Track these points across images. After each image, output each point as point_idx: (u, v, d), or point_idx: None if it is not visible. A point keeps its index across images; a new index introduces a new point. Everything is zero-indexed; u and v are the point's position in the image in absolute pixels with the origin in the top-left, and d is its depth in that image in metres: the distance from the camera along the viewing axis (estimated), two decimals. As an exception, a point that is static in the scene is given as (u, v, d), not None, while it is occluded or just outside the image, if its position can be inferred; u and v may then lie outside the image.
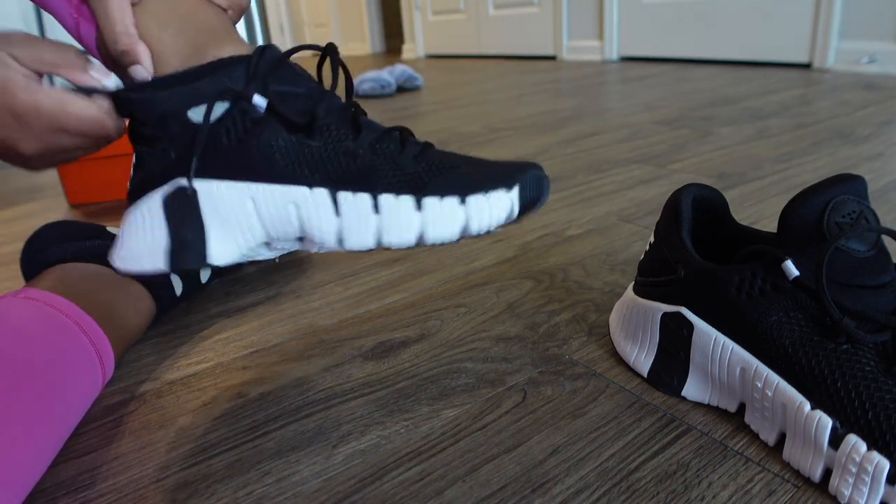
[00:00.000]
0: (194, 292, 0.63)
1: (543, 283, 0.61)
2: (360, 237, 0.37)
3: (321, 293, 0.63)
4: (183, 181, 0.37)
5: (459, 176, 0.38)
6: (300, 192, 0.37)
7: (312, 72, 0.44)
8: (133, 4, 0.37)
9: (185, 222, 0.36)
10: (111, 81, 0.38)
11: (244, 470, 0.39)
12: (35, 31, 2.24)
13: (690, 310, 0.41)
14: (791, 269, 0.36)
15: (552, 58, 2.86)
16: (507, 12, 3.05)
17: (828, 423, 0.33)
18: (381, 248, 0.38)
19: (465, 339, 0.52)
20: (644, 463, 0.37)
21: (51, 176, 1.31)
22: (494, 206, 0.37)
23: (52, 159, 0.39)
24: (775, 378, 0.36)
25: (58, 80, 0.39)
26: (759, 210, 0.76)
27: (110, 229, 0.58)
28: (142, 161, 0.38)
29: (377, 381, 0.47)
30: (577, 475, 0.36)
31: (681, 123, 1.28)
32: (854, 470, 0.32)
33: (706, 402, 0.41)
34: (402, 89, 2.21)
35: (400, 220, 0.37)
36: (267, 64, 0.37)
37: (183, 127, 0.37)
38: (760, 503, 0.33)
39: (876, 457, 0.31)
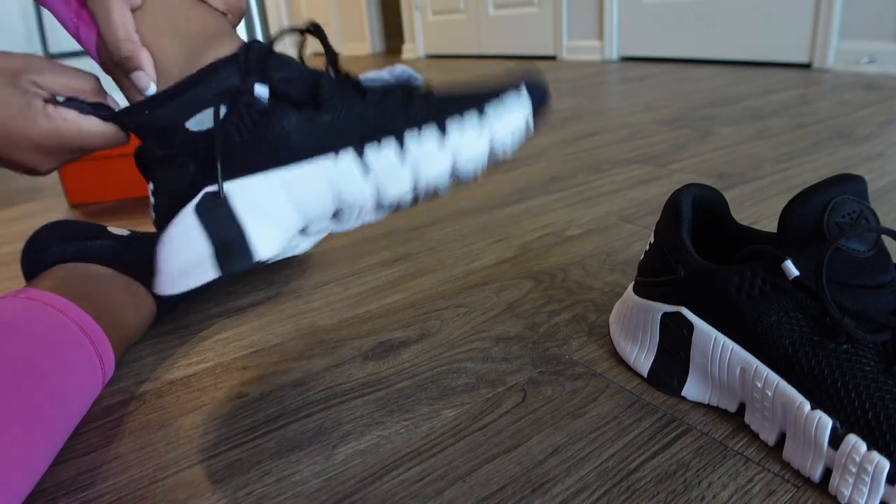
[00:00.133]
0: (194, 293, 0.63)
1: (543, 283, 0.61)
2: (397, 184, 0.38)
3: (321, 293, 0.63)
4: (210, 188, 0.37)
5: (469, 97, 0.39)
6: (326, 163, 0.37)
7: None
8: (132, 9, 0.38)
9: (223, 224, 0.36)
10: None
11: (244, 470, 0.39)
12: (35, 32, 2.24)
13: (690, 310, 0.41)
14: (791, 269, 0.36)
15: (552, 58, 2.86)
16: (507, 12, 3.05)
17: (828, 423, 0.33)
18: (419, 196, 0.39)
19: (465, 339, 0.52)
20: (644, 463, 0.37)
21: (51, 176, 1.31)
22: (511, 111, 0.39)
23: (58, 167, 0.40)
24: (775, 378, 0.36)
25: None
26: (759, 210, 0.76)
27: (110, 229, 0.58)
28: (161, 184, 0.38)
29: (377, 381, 0.47)
30: (577, 475, 0.36)
31: (681, 123, 1.28)
32: (854, 470, 0.32)
33: (706, 402, 0.41)
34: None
35: (430, 152, 0.38)
36: (257, 56, 0.38)
37: (187, 138, 0.37)
38: (760, 503, 0.33)
39: (876, 457, 0.31)
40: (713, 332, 0.40)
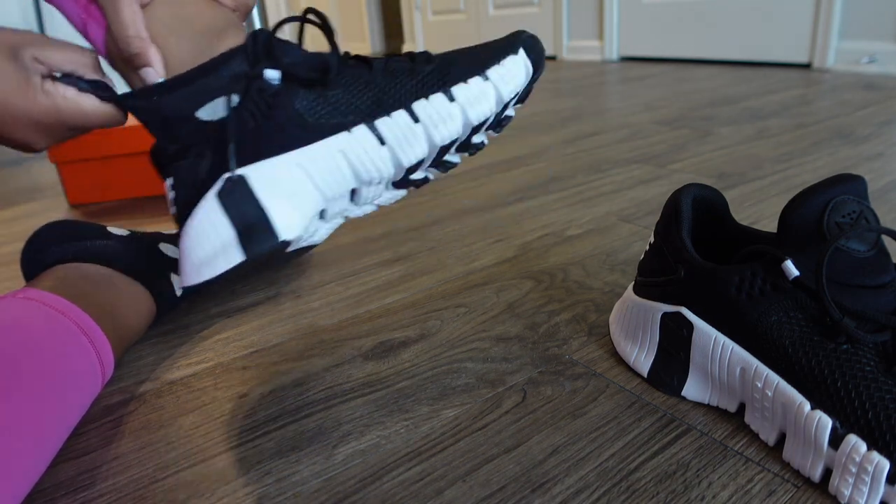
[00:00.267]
0: (194, 292, 0.63)
1: (543, 283, 0.61)
2: (413, 149, 0.39)
3: (321, 293, 0.63)
4: (229, 173, 0.37)
5: (470, 61, 0.41)
6: (340, 138, 0.38)
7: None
8: (142, 6, 0.38)
9: (245, 207, 0.37)
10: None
11: (244, 470, 0.39)
12: (35, 31, 2.24)
13: (690, 310, 0.41)
14: (791, 269, 0.36)
15: (552, 58, 2.86)
16: (507, 12, 3.05)
17: (828, 423, 0.33)
18: (440, 159, 0.41)
19: (465, 339, 0.52)
20: (644, 463, 0.37)
21: (51, 176, 1.31)
22: (512, 71, 0.41)
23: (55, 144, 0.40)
24: (775, 378, 0.36)
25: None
26: (759, 210, 0.76)
27: (110, 229, 0.58)
28: (180, 177, 0.39)
29: (377, 381, 0.47)
30: (577, 475, 0.36)
31: (681, 123, 1.28)
32: (854, 470, 0.32)
33: (706, 402, 0.41)
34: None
35: (441, 115, 0.39)
36: (264, 43, 0.39)
37: (199, 129, 0.38)
38: (760, 503, 0.33)
39: (876, 457, 0.31)
40: (713, 332, 0.40)
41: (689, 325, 0.41)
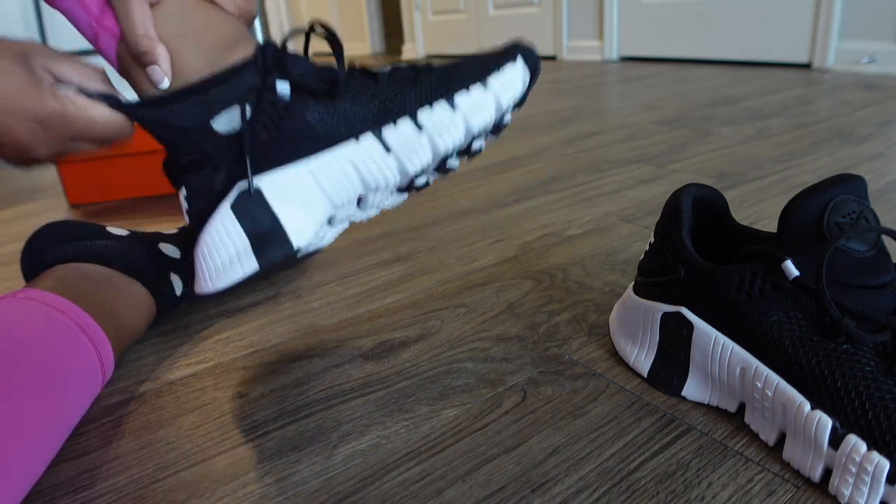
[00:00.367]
0: (194, 293, 0.63)
1: (543, 283, 0.61)
2: (418, 156, 0.41)
3: (321, 293, 0.63)
4: (243, 184, 0.39)
5: (470, 70, 0.42)
6: (348, 147, 0.40)
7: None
8: (151, 5, 0.39)
9: (259, 217, 0.38)
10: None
11: (244, 470, 0.39)
12: (35, 33, 2.24)
13: (690, 310, 0.41)
14: (791, 269, 0.36)
15: (552, 58, 2.86)
16: (507, 12, 3.05)
17: (828, 423, 0.33)
18: (442, 165, 0.42)
19: (465, 339, 0.52)
20: (644, 463, 0.37)
21: (51, 176, 1.31)
22: (511, 78, 0.43)
23: (53, 159, 0.40)
24: (775, 378, 0.36)
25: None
26: (759, 210, 0.76)
27: (110, 229, 0.58)
28: (194, 189, 0.40)
29: (377, 381, 0.47)
30: (577, 475, 0.36)
31: (681, 123, 1.28)
32: (854, 470, 0.32)
33: (706, 402, 0.41)
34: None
35: (444, 123, 0.41)
36: (273, 55, 0.40)
37: (214, 139, 0.39)
38: (760, 503, 0.33)
39: (876, 457, 0.31)
40: (713, 332, 0.40)
41: (689, 325, 0.41)
